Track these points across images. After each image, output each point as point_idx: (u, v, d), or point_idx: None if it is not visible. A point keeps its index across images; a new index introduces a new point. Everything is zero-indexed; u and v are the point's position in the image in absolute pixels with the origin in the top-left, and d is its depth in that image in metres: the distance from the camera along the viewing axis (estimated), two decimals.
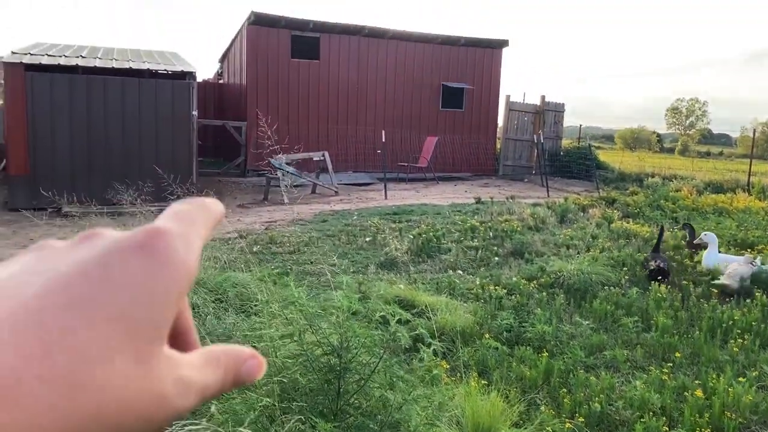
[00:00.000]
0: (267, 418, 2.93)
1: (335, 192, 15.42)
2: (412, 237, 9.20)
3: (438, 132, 19.93)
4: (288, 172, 13.58)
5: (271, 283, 5.03)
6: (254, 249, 8.60)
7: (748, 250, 8.76)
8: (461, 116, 21.42)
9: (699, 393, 4.18)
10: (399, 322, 3.10)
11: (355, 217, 11.44)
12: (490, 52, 21.65)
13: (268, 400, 2.89)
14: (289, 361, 2.99)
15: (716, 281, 7.07)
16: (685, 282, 7.17)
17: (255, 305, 4.85)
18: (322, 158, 15.60)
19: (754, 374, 4.68)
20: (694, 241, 8.21)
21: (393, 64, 20.05)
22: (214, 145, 20.18)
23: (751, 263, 7.22)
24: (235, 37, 20.95)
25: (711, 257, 7.66)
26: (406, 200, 14.37)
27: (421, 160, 19.05)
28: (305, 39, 18.77)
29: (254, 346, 2.99)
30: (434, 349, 3.12)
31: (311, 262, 7.82)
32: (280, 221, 11.31)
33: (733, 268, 7.08)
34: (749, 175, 19.47)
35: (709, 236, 7.84)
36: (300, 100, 18.98)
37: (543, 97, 22.91)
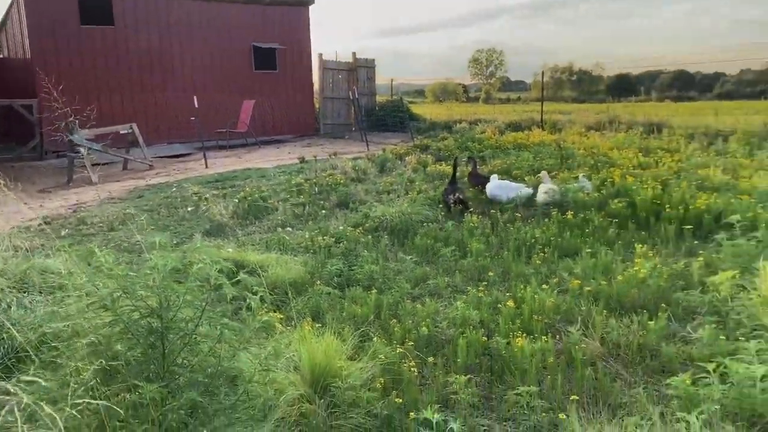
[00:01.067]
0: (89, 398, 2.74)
1: (150, 166, 14.52)
2: (237, 201, 8.99)
3: (254, 95, 19.45)
4: (92, 148, 12.49)
5: (79, 261, 4.65)
6: (62, 233, 7.88)
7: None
8: (276, 77, 21.06)
9: (510, 303, 4.62)
10: (229, 279, 3.03)
11: (174, 189, 10.88)
12: (297, 10, 21.39)
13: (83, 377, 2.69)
14: (102, 332, 2.80)
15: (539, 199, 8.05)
16: (493, 211, 7.81)
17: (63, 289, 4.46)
18: (130, 131, 14.53)
19: (554, 281, 5.26)
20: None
21: (199, 25, 19.05)
22: (3, 129, 17.89)
23: (551, 188, 8.21)
24: (12, 4, 18.58)
25: (491, 186, 8.51)
26: (228, 167, 13.94)
27: (239, 125, 18.52)
28: (95, 2, 17.12)
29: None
30: (261, 296, 3.09)
31: (127, 240, 7.34)
32: (90, 202, 10.43)
33: (546, 188, 8.12)
34: (542, 114, 21.50)
35: (493, 177, 8.74)
36: (98, 71, 17.39)
37: (354, 54, 23.23)
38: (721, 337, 3.93)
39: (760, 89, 49.75)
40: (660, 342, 4.09)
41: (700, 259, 5.42)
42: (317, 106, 22.75)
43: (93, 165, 12.00)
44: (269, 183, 10.98)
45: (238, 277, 3.16)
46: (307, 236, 7.06)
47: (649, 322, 4.23)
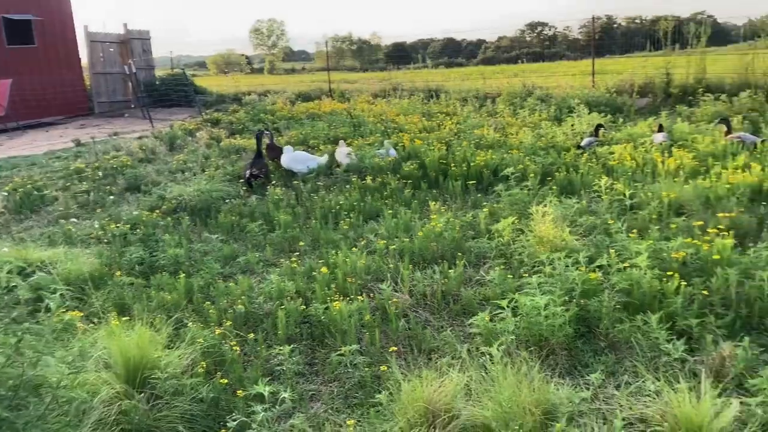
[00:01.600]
0: None
1: None
2: (6, 194, 7.94)
3: (10, 74, 17.04)
4: None
5: None
6: None
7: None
8: (35, 52, 18.69)
9: (324, 270, 4.74)
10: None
11: None
12: None
13: None
14: None
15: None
16: (296, 182, 7.87)
17: None
18: None
19: (362, 243, 5.50)
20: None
21: None
22: None
23: (349, 153, 8.46)
24: None
25: (287, 158, 8.57)
26: None
27: None
28: None
29: None
30: (61, 293, 2.82)
31: None
32: None
33: (347, 150, 8.53)
34: (330, 84, 21.92)
35: (285, 148, 8.79)
36: None
37: (125, 26, 21.47)
38: (509, 276, 4.44)
39: (515, 54, 55.68)
40: (460, 287, 4.51)
41: (485, 209, 6.02)
42: (87, 83, 20.72)
43: None
44: (43, 171, 9.85)
45: (32, 278, 2.85)
46: (96, 226, 6.51)
47: (449, 271, 4.63)
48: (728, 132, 8.42)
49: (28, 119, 17.30)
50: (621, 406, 2.97)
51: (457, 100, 15.44)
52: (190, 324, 3.99)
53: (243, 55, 72.98)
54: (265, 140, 8.85)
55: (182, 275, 4.79)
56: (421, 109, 14.23)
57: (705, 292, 3.90)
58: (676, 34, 15.95)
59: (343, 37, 76.89)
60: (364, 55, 72.18)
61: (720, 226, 4.84)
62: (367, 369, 3.55)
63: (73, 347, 3.23)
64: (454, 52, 71.32)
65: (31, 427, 2.28)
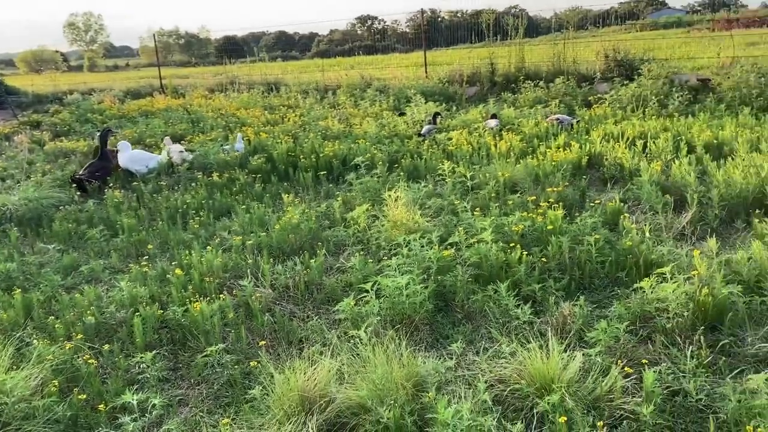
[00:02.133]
0: None
1: None
2: None
3: None
4: None
5: None
6: None
7: (181, 141, 9.58)
8: None
9: (179, 271, 4.55)
10: None
11: None
12: None
13: None
14: None
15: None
16: (135, 183, 7.43)
17: None
18: None
19: (216, 241, 5.35)
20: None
21: None
22: None
23: (181, 151, 8.21)
24: None
25: (125, 158, 8.08)
26: None
27: None
28: None
29: None
30: None
31: None
32: None
33: (177, 149, 8.25)
34: (161, 80, 20.83)
35: (121, 144, 8.24)
36: None
37: None
38: (369, 261, 4.58)
39: (349, 47, 56.58)
40: (322, 276, 4.56)
41: (339, 199, 6.12)
42: None
43: None
44: None
45: None
46: None
47: (310, 261, 4.67)
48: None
49: None
50: (482, 370, 3.21)
51: (298, 93, 15.44)
52: (34, 342, 3.65)
53: (57, 51, 66.81)
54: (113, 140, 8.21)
55: (17, 291, 4.35)
56: (262, 103, 14.04)
57: (543, 260, 4.30)
58: (496, 27, 17.15)
59: (170, 32, 73.33)
60: (193, 49, 69.44)
61: (550, 200, 5.35)
62: (236, 367, 3.50)
63: None
64: (288, 45, 70.94)
65: None
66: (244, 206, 6.24)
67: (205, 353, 3.56)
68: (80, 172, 7.37)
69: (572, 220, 4.84)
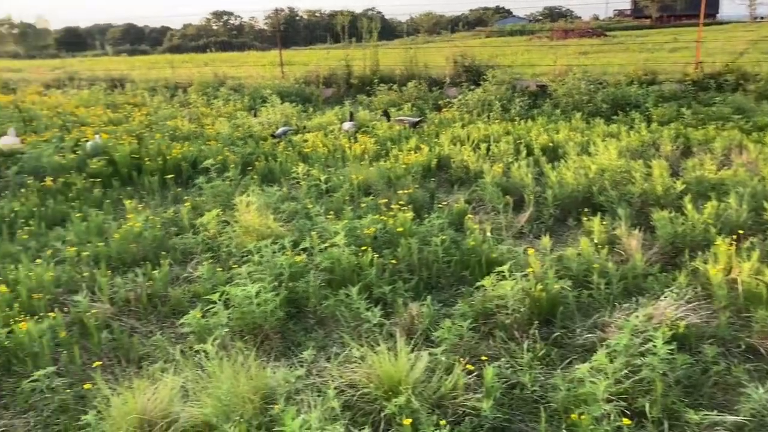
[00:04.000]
0: None
1: None
2: None
3: None
4: None
5: None
6: None
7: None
8: None
9: (3, 288, 4.10)
10: None
11: None
12: None
13: None
14: None
15: None
16: None
17: None
18: None
19: (48, 253, 4.89)
20: None
21: None
22: None
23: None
24: None
25: None
26: None
27: None
28: None
29: None
30: None
31: None
32: None
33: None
34: None
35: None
36: None
37: None
38: (218, 269, 4.41)
39: (203, 42, 54.60)
40: (167, 288, 4.33)
41: (187, 204, 5.85)
42: None
43: None
44: None
45: None
46: None
47: (153, 272, 4.41)
48: (388, 120, 9.59)
49: None
50: (332, 376, 3.20)
51: (146, 90, 14.61)
52: None
53: None
54: None
55: None
56: (104, 101, 13.12)
57: (394, 261, 4.39)
58: (352, 29, 17.36)
59: (2, 20, 66.43)
60: (29, 40, 63.47)
61: (401, 202, 5.49)
62: (68, 391, 3.22)
63: None
64: (137, 39, 67.14)
65: None
66: (80, 214, 5.76)
67: (32, 377, 3.23)
68: None
69: (422, 222, 4.99)
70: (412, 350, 3.19)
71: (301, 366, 3.32)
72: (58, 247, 5.07)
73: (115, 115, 10.99)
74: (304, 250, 4.47)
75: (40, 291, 4.17)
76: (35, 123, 10.25)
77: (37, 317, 3.80)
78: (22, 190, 6.57)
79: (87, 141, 8.23)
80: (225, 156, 7.40)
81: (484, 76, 12.12)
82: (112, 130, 9.25)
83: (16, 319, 3.74)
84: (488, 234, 4.72)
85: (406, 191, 5.88)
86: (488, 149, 7.41)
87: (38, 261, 4.63)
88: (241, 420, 2.72)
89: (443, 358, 3.20)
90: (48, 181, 6.72)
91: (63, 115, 11.02)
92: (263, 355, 3.48)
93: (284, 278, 4.12)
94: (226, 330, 3.58)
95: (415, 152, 7.36)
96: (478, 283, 3.92)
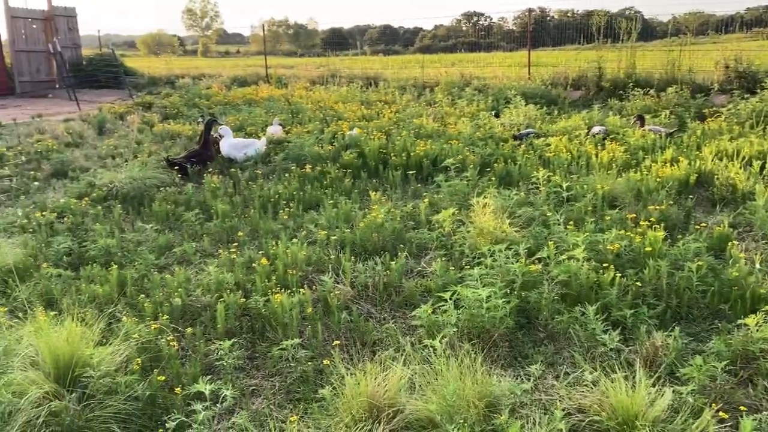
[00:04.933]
0: None
1: None
2: None
3: None
4: None
5: None
6: None
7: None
8: None
9: (264, 261, 4.64)
10: None
11: None
12: None
13: None
14: None
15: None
16: (233, 170, 7.67)
17: None
18: None
19: (303, 234, 5.41)
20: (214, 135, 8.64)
21: None
22: None
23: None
24: None
25: (226, 145, 8.34)
26: None
27: None
28: None
29: None
30: None
31: None
32: None
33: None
34: (267, 69, 21.48)
35: (223, 129, 8.49)
36: None
37: (50, 1, 20.35)
38: (451, 268, 4.47)
39: (452, 43, 56.15)
40: (401, 279, 4.50)
41: (425, 200, 6.04)
42: (8, 61, 19.57)
43: None
44: None
45: None
46: (20, 214, 6.15)
47: (391, 262, 4.61)
48: (642, 126, 8.82)
49: None
50: (560, 396, 3.04)
51: (396, 89, 15.44)
52: (124, 318, 3.82)
53: (175, 36, 70.64)
54: (216, 132, 8.49)
55: (114, 267, 4.58)
56: (359, 97, 14.15)
57: (638, 284, 4.03)
58: (607, 29, 16.43)
59: (280, 22, 75.72)
60: (300, 40, 71.37)
61: (651, 219, 5.03)
62: (309, 363, 3.50)
63: None
64: (392, 39, 71.40)
65: None
66: (332, 201, 6.28)
67: (281, 346, 3.58)
68: (176, 157, 7.76)
69: (674, 243, 4.52)
70: (654, 384, 2.89)
71: (528, 380, 3.20)
72: (311, 229, 5.58)
73: (368, 111, 11.79)
74: (540, 259, 4.32)
75: (294, 267, 4.62)
76: (300, 115, 11.43)
77: (289, 291, 4.21)
78: (286, 175, 7.37)
79: (342, 134, 8.96)
80: (465, 156, 7.50)
81: (762, 84, 10.61)
82: (364, 125, 9.94)
83: (273, 290, 4.20)
84: (757, 266, 4.09)
85: (657, 207, 5.38)
86: (762, 168, 6.46)
87: (294, 240, 5.14)
88: (465, 423, 2.71)
89: (690, 399, 2.85)
90: (308, 168, 7.44)
91: (324, 109, 12.13)
92: (489, 362, 3.44)
93: (516, 286, 4.03)
94: (455, 330, 3.60)
95: (672, 165, 6.70)
96: (740, 321, 3.42)
